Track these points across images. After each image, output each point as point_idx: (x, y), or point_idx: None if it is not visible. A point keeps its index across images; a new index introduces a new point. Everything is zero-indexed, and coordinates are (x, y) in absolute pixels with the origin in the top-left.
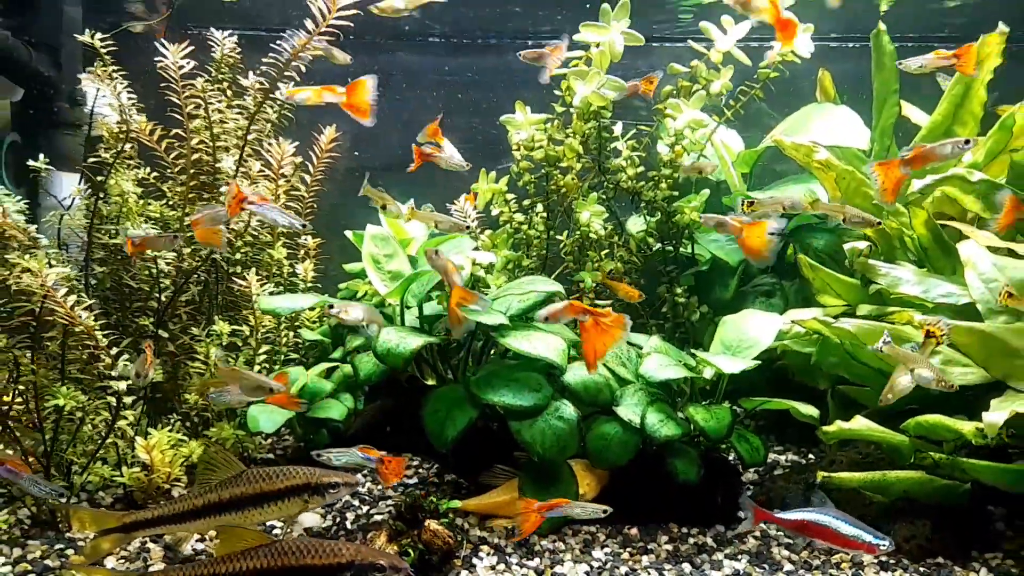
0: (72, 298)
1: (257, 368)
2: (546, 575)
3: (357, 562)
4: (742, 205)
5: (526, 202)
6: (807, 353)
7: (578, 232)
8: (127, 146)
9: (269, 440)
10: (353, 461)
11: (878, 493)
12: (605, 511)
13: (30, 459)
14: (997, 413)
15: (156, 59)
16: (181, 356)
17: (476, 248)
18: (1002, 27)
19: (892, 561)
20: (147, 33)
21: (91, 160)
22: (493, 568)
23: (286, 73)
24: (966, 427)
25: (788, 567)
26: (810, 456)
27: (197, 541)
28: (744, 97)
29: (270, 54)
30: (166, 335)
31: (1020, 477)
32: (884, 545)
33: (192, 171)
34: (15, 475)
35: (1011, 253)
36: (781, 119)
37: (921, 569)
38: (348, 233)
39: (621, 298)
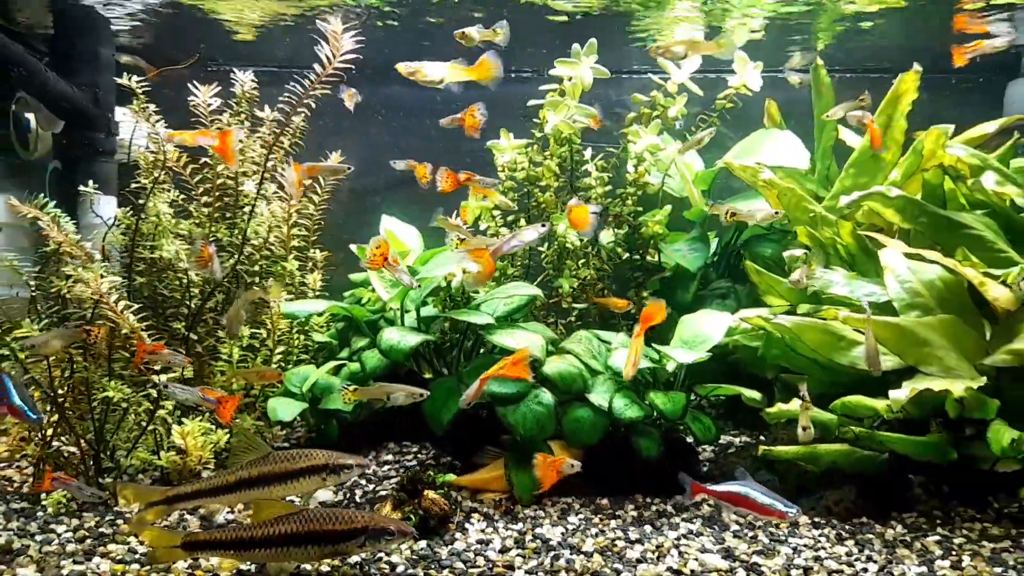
0: (122, 303)
1: (274, 365)
2: (527, 535)
3: (371, 527)
4: (726, 215)
5: (510, 217)
6: (755, 347)
7: (556, 243)
8: (161, 173)
9: (284, 431)
10: (193, 399)
11: (811, 464)
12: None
13: (81, 443)
14: (901, 391)
15: (188, 97)
16: (207, 356)
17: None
18: (916, 67)
19: (823, 521)
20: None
21: (133, 185)
22: (483, 531)
23: (299, 109)
24: (879, 404)
25: (735, 528)
26: (761, 437)
27: (227, 513)
28: (704, 124)
29: (284, 93)
30: (195, 338)
31: (925, 447)
32: (792, 513)
33: (217, 193)
34: (66, 483)
35: (921, 258)
36: (739, 140)
37: (847, 527)
38: (353, 247)
39: (612, 309)
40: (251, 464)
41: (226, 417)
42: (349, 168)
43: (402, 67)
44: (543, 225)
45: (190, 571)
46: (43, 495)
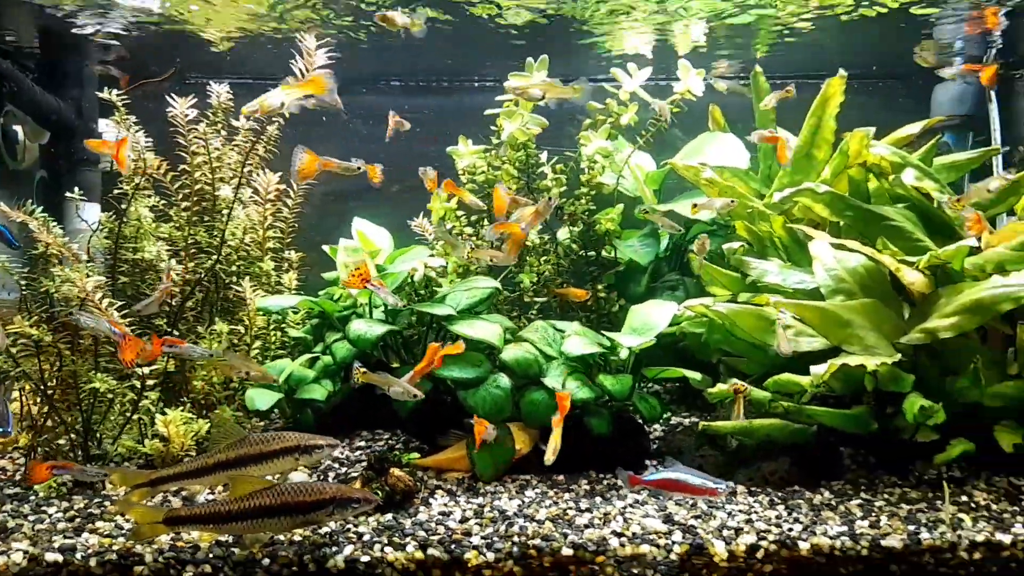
0: (106, 301)
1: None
2: (487, 507)
3: (338, 497)
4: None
5: (473, 217)
6: (700, 333)
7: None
8: (141, 180)
9: (263, 421)
10: (102, 328)
11: (746, 437)
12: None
13: (71, 433)
14: (821, 366)
15: (166, 108)
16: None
17: (432, 255)
18: (842, 72)
19: (758, 490)
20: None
21: (115, 191)
22: (445, 505)
23: (273, 118)
24: (804, 380)
25: (677, 498)
26: (707, 417)
27: (208, 494)
28: (653, 128)
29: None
30: (177, 334)
31: (849, 419)
32: (722, 488)
33: (195, 198)
34: (66, 469)
35: (845, 248)
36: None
37: (780, 494)
38: (325, 248)
39: (572, 299)
40: (228, 447)
41: (126, 356)
42: (359, 168)
43: (246, 110)
44: (550, 200)
45: (172, 543)
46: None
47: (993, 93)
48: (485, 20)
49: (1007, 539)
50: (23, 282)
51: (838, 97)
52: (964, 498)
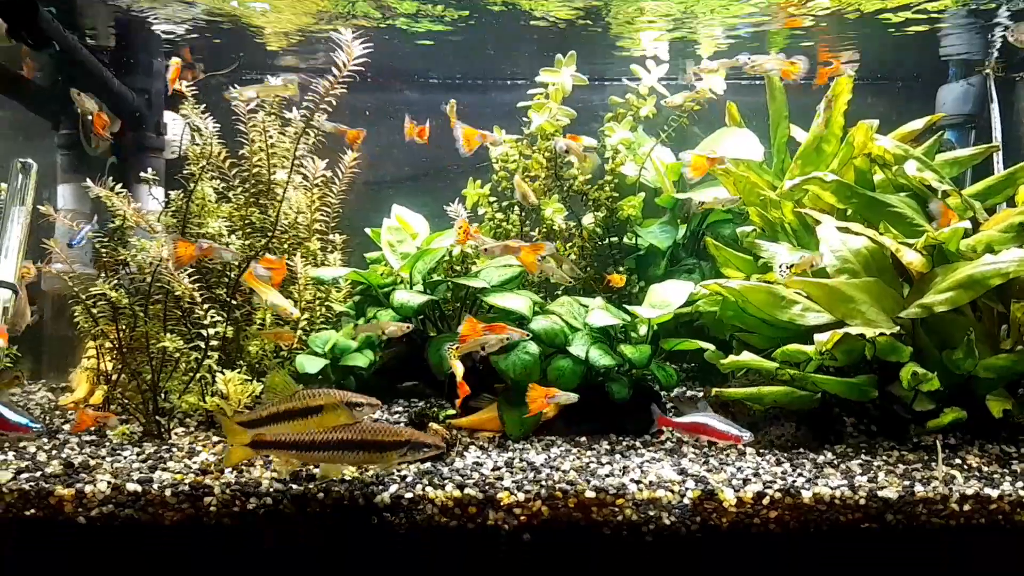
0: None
1: (299, 332)
2: (516, 460)
3: (412, 440)
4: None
5: (504, 203)
6: (714, 311)
7: (544, 226)
8: (205, 162)
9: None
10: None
11: (756, 403)
12: (578, 396)
13: (143, 387)
14: (823, 335)
15: (231, 99)
16: (243, 322)
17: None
18: (849, 71)
19: (766, 451)
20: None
21: (184, 171)
22: (478, 457)
23: (319, 107)
24: (809, 349)
25: (691, 456)
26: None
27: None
28: (675, 123)
29: (307, 95)
30: (234, 303)
31: (851, 387)
32: (745, 437)
33: (253, 181)
34: (105, 419)
35: (850, 231)
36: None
37: (786, 455)
38: (368, 231)
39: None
40: (279, 401)
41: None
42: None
43: (227, 96)
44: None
45: (237, 479)
46: (108, 431)
47: (995, 93)
48: (518, 17)
49: (995, 493)
50: (104, 250)
51: (846, 95)
52: (957, 461)
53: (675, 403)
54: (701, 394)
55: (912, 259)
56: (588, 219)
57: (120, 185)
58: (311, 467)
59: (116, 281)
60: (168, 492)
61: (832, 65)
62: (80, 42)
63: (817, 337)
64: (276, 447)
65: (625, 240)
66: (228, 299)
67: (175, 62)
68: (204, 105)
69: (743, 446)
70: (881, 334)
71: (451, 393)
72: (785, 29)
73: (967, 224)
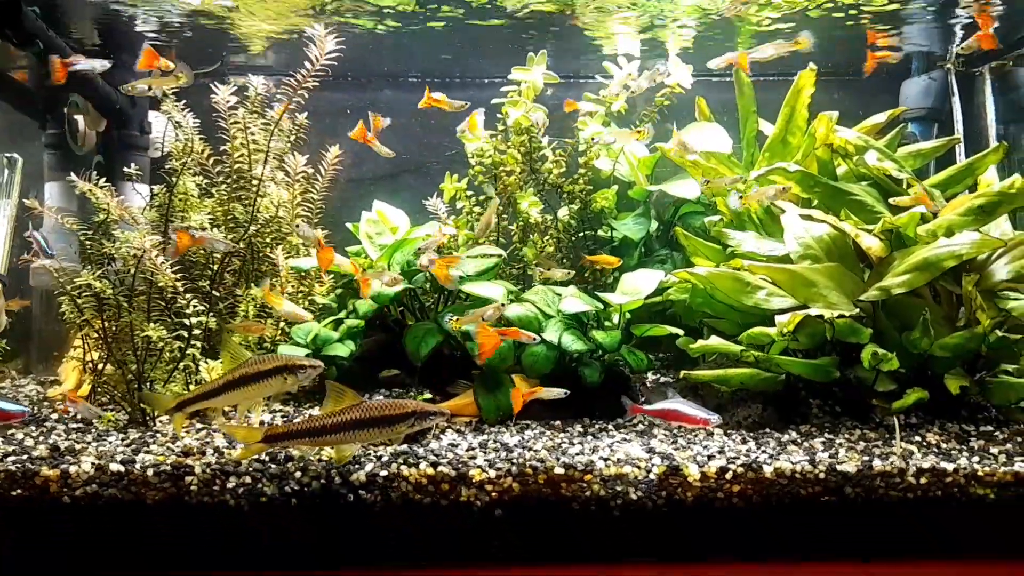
0: (160, 258)
1: (282, 324)
2: (490, 441)
3: (418, 411)
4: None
5: (481, 197)
6: (685, 299)
7: (520, 219)
8: (188, 159)
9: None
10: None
11: (723, 385)
12: (566, 392)
13: (128, 376)
14: (784, 316)
15: (211, 97)
16: (226, 313)
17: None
18: (812, 65)
19: (732, 431)
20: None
21: (167, 167)
22: (454, 440)
23: (292, 103)
24: (772, 332)
25: (661, 437)
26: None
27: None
28: (647, 119)
29: (280, 91)
30: (217, 295)
31: (814, 368)
32: (713, 419)
33: (234, 176)
34: (78, 405)
35: (812, 219)
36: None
37: (752, 434)
38: (348, 225)
39: (602, 266)
40: (233, 370)
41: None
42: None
43: (122, 88)
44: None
45: (217, 458)
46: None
47: (956, 87)
48: (489, 13)
49: (951, 467)
50: (88, 243)
51: (809, 88)
52: (917, 439)
53: (644, 390)
54: (673, 380)
55: (871, 244)
56: (563, 212)
57: (105, 181)
58: (290, 449)
59: (101, 273)
60: (150, 472)
61: (880, 50)
62: (64, 41)
63: (779, 319)
64: (288, 438)
65: (600, 232)
66: (211, 291)
67: (146, 50)
68: (185, 102)
69: (712, 428)
70: (840, 316)
71: (427, 379)
72: (748, 27)
73: (923, 209)
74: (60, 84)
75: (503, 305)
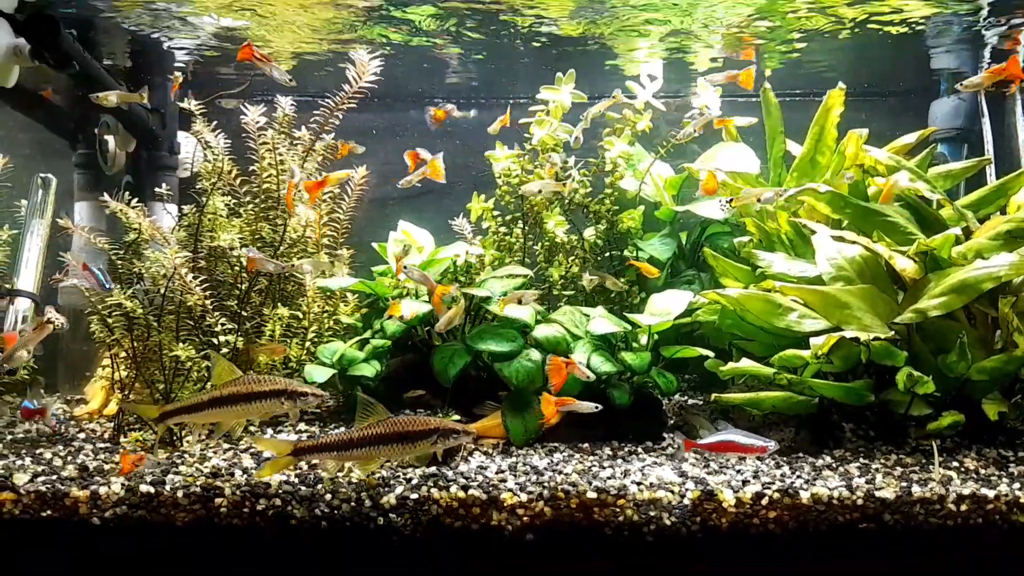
0: (190, 276)
1: (307, 343)
2: (519, 464)
3: (441, 428)
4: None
5: (508, 217)
6: (714, 320)
7: (546, 239)
8: (217, 178)
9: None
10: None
11: (755, 408)
12: (597, 407)
13: (156, 395)
14: (819, 338)
15: (242, 117)
16: (253, 333)
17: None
18: (841, 85)
19: (765, 455)
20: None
21: (197, 187)
22: (483, 462)
23: (326, 126)
24: (806, 354)
25: (692, 461)
26: None
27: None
28: (672, 139)
29: (314, 113)
30: (245, 315)
31: (848, 392)
32: (771, 446)
33: (262, 196)
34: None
35: (844, 239)
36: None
37: (785, 459)
38: (375, 245)
39: (644, 274)
40: (223, 386)
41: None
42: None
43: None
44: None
45: (247, 479)
46: (122, 437)
47: (985, 108)
48: (518, 40)
49: (991, 493)
50: (119, 262)
51: (838, 107)
52: (955, 464)
53: (680, 413)
54: (701, 401)
55: (905, 266)
56: (589, 232)
57: (136, 201)
58: (318, 470)
59: (131, 292)
60: (180, 494)
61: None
62: (98, 63)
63: (813, 341)
64: (315, 451)
65: (626, 252)
66: (239, 311)
67: (176, 77)
68: (215, 123)
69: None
70: (876, 338)
71: (455, 400)
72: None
73: (958, 231)
74: (105, 104)
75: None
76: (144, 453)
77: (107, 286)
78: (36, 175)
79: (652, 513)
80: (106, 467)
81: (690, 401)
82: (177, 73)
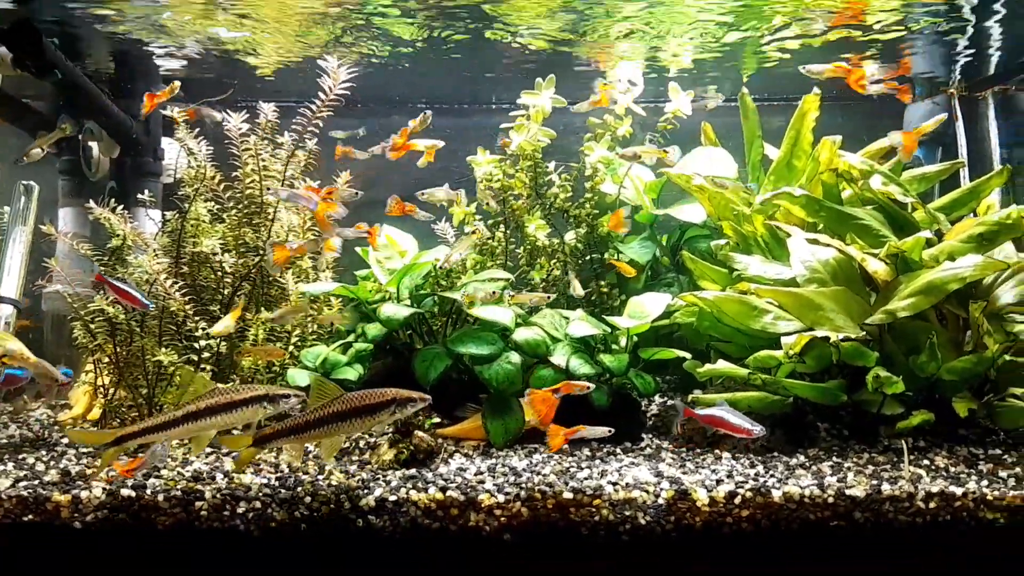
0: (170, 281)
1: (291, 347)
2: (499, 465)
3: (398, 398)
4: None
5: (489, 221)
6: (692, 322)
7: (528, 242)
8: (200, 184)
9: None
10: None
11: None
12: (610, 431)
13: (139, 400)
14: (791, 338)
15: (223, 123)
16: (236, 338)
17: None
18: (816, 90)
19: (740, 455)
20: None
21: (180, 193)
22: (462, 464)
23: (307, 131)
24: (779, 354)
25: (669, 461)
26: None
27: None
28: (650, 143)
29: (295, 119)
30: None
31: (821, 392)
32: (757, 431)
33: (245, 202)
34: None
35: (818, 242)
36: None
37: (760, 458)
38: (358, 249)
39: (624, 276)
40: (197, 399)
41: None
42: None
43: None
44: None
45: (228, 483)
46: None
47: (959, 112)
48: (500, 46)
49: (960, 491)
50: (102, 268)
51: (814, 112)
52: (926, 462)
53: (658, 413)
54: (680, 402)
55: (877, 268)
56: (570, 236)
57: (120, 207)
58: (299, 473)
59: (113, 297)
60: (161, 497)
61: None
62: (81, 70)
63: (785, 340)
64: (276, 438)
65: (606, 255)
66: (221, 315)
67: (173, 85)
68: (198, 130)
69: (752, 439)
70: (846, 338)
71: (436, 403)
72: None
73: (928, 234)
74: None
75: (494, 293)
76: (141, 456)
77: (149, 304)
78: (18, 182)
79: (627, 513)
80: (88, 471)
81: (669, 402)
82: (175, 82)
